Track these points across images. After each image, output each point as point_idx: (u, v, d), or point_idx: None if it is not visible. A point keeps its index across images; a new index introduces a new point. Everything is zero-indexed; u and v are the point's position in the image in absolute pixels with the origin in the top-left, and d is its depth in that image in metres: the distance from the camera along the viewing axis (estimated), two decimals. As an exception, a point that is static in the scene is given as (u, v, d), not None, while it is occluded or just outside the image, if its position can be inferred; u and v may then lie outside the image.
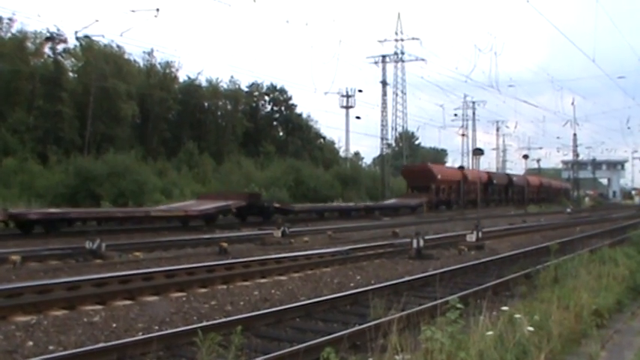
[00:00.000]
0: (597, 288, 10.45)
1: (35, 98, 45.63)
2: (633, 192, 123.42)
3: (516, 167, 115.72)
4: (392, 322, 6.86)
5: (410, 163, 75.50)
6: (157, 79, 56.49)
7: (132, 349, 8.11)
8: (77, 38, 45.25)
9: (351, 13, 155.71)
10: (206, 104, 61.03)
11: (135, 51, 71.68)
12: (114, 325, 10.11)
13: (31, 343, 8.88)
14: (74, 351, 7.97)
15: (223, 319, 10.04)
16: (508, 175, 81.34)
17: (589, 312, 8.94)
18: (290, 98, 68.89)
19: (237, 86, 63.21)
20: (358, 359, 7.45)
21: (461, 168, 72.00)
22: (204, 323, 9.65)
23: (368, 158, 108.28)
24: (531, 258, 18.49)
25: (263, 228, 30.89)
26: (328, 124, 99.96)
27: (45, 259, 18.10)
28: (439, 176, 60.83)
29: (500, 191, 78.40)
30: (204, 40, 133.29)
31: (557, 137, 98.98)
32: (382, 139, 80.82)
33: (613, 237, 26.02)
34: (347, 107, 74.02)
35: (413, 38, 79.04)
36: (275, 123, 69.49)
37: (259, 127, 64.89)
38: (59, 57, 49.29)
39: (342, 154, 78.69)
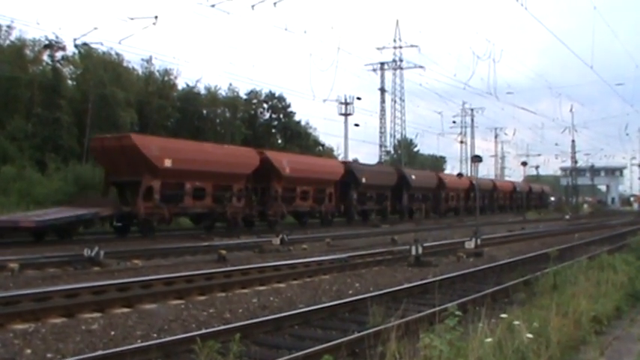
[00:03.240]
0: (596, 295, 10.45)
1: (34, 106, 45.58)
2: (632, 198, 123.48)
3: (515, 174, 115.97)
4: (391, 330, 6.86)
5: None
6: (155, 87, 56.48)
7: (130, 356, 8.08)
8: (76, 46, 45.37)
9: (350, 21, 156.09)
10: (205, 112, 61.01)
11: (133, 58, 71.77)
12: (112, 332, 10.09)
13: (29, 350, 8.87)
14: (72, 359, 7.96)
15: (222, 327, 10.02)
16: (468, 178, 66.63)
17: (588, 319, 8.93)
18: (289, 106, 68.89)
19: (235, 94, 63.24)
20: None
21: (460, 175, 71.96)
22: (203, 331, 9.64)
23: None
24: (530, 265, 18.49)
25: (262, 235, 30.91)
26: (327, 131, 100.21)
27: (43, 266, 18.09)
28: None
29: (457, 197, 68.28)
30: (203, 47, 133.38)
31: (556, 144, 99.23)
32: (381, 146, 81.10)
33: (612, 243, 26.05)
34: (346, 114, 74.10)
35: (411, 45, 79.58)
36: (274, 130, 69.43)
37: (258, 134, 64.85)
38: (58, 64, 49.27)
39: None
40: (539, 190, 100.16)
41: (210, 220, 35.00)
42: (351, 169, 47.28)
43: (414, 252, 20.34)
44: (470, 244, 24.02)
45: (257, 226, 38.00)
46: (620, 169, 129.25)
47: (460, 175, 72.76)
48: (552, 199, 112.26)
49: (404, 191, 54.82)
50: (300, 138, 69.00)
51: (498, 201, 79.70)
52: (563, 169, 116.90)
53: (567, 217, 63.93)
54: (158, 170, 29.72)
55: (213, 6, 30.55)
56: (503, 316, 8.02)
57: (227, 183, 34.56)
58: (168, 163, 29.96)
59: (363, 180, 47.67)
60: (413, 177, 56.18)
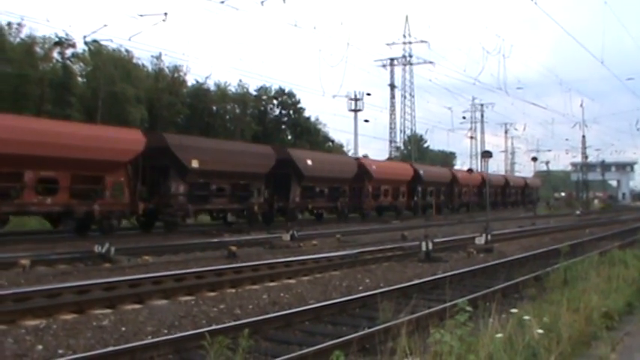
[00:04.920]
0: (607, 290, 10.41)
1: (44, 103, 45.74)
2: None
3: (525, 170, 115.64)
4: (401, 325, 6.86)
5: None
6: (165, 84, 56.61)
7: (141, 352, 8.12)
8: (86, 43, 45.55)
9: (359, 17, 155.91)
10: (214, 108, 61.11)
11: (143, 55, 72.13)
12: (123, 328, 10.12)
13: (40, 347, 8.90)
14: (84, 355, 7.98)
15: (232, 323, 10.03)
16: (414, 168, 56.12)
17: (599, 314, 8.90)
18: (298, 102, 68.96)
19: (245, 90, 63.31)
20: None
21: (470, 170, 71.80)
22: (213, 327, 9.65)
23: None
24: (540, 260, 18.44)
25: (272, 231, 30.99)
26: (337, 127, 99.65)
27: (54, 263, 18.17)
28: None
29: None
30: (213, 44, 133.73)
31: (566, 139, 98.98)
32: (391, 141, 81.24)
33: (623, 239, 25.93)
34: (355, 110, 74.06)
35: (421, 41, 79.66)
36: (283, 126, 69.48)
37: (268, 130, 64.92)
38: (68, 62, 49.44)
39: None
40: (521, 183, 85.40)
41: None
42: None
43: (424, 248, 20.31)
44: (480, 240, 23.96)
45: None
46: (631, 165, 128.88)
47: (470, 170, 72.59)
48: (561, 194, 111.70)
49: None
50: (309, 134, 69.04)
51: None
52: (574, 165, 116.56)
53: (578, 212, 63.68)
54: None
55: (222, 2, 30.61)
56: (514, 311, 7.99)
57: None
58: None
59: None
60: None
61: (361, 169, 46.61)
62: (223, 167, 33.25)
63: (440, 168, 68.07)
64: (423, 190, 55.57)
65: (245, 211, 35.99)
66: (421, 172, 55.41)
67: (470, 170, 72.23)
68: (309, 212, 43.69)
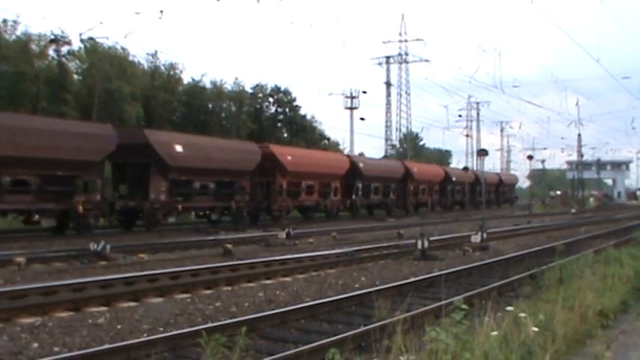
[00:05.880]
0: (602, 288, 10.43)
1: (39, 100, 45.63)
2: (638, 192, 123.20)
3: (521, 168, 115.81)
4: (397, 323, 6.87)
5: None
6: (161, 81, 56.49)
7: (136, 350, 8.11)
8: (81, 40, 45.32)
9: (355, 15, 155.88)
10: (210, 106, 61.00)
11: (139, 53, 71.80)
12: (119, 326, 10.13)
13: (36, 344, 8.91)
14: (79, 352, 7.98)
15: (228, 321, 10.04)
16: (352, 160, 48.75)
17: (594, 312, 8.93)
18: (294, 99, 68.85)
19: (241, 88, 63.20)
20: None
21: (465, 169, 71.86)
22: (209, 324, 9.66)
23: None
24: (536, 259, 18.47)
25: (268, 229, 30.97)
26: (332, 125, 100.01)
27: (49, 260, 18.16)
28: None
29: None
30: (208, 41, 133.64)
31: (562, 138, 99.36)
32: (386, 139, 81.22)
33: (618, 237, 25.99)
34: (351, 108, 74.27)
35: (417, 39, 79.76)
36: (279, 124, 69.38)
37: (264, 128, 64.81)
38: (63, 59, 49.30)
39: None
40: (494, 180, 74.69)
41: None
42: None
43: (419, 246, 20.34)
44: (476, 238, 24.02)
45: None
46: (627, 163, 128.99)
47: (466, 168, 72.67)
48: (557, 192, 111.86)
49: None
50: (305, 132, 68.95)
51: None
52: (570, 163, 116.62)
53: (573, 210, 63.78)
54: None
55: (218, 0, 30.57)
56: (509, 309, 8.01)
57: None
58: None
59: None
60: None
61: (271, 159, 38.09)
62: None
63: (395, 161, 61.84)
64: (364, 186, 48.49)
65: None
66: (360, 165, 47.93)
67: (465, 169, 72.31)
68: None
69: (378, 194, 50.37)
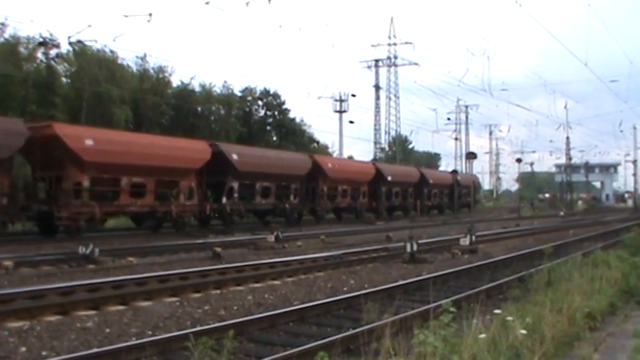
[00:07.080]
0: (590, 291, 10.48)
1: (28, 103, 45.41)
2: (626, 195, 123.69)
3: (510, 171, 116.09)
4: (385, 326, 6.88)
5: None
6: (150, 84, 56.30)
7: (125, 354, 8.09)
8: (70, 43, 45.23)
9: (344, 18, 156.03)
10: (199, 109, 60.84)
11: (128, 56, 71.81)
12: (107, 330, 10.09)
13: (24, 348, 8.86)
14: (67, 356, 7.95)
15: (217, 324, 10.03)
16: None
17: (582, 315, 8.97)
18: (283, 103, 68.78)
19: (230, 91, 63.10)
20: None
21: (454, 172, 72.00)
22: (198, 328, 9.64)
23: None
24: (524, 261, 18.52)
25: (256, 233, 30.92)
26: (322, 128, 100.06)
27: (38, 264, 18.08)
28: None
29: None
30: (198, 44, 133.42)
31: (550, 141, 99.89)
32: (375, 143, 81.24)
33: (606, 240, 26.10)
34: (340, 111, 74.28)
35: (406, 42, 79.93)
36: (268, 127, 69.30)
37: (253, 131, 64.71)
38: (52, 62, 49.07)
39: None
40: (446, 181, 67.20)
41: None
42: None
43: (408, 249, 20.36)
44: (465, 241, 24.02)
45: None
46: (615, 166, 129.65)
47: (455, 171, 72.81)
48: (546, 195, 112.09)
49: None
50: (294, 135, 68.92)
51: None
52: (558, 166, 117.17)
53: (562, 213, 64.01)
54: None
55: (207, 3, 30.57)
56: (498, 312, 8.04)
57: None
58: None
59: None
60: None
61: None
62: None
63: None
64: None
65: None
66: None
67: (454, 172, 72.46)
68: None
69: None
